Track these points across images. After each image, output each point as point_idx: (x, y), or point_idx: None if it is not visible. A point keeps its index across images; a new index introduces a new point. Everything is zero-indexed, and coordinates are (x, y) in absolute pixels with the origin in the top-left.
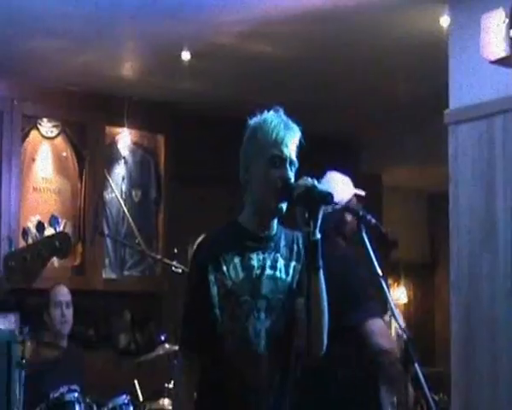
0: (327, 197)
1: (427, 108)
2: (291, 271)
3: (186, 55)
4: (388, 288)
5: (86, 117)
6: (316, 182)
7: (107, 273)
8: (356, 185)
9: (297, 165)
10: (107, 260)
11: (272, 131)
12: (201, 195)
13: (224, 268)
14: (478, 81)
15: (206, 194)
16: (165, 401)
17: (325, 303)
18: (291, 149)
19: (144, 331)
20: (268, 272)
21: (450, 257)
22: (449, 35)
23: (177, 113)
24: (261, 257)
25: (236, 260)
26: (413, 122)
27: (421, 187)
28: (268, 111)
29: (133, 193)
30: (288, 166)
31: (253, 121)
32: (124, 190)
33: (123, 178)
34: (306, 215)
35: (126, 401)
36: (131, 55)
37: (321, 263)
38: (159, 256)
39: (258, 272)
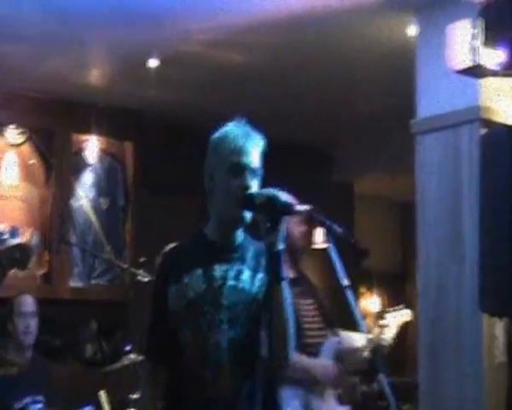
0: (289, 207)
1: (397, 117)
2: (257, 282)
3: (154, 63)
4: (355, 299)
5: (53, 124)
6: (278, 192)
7: (75, 282)
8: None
9: (260, 173)
10: (74, 269)
11: (232, 141)
12: (170, 203)
13: (186, 279)
14: (444, 91)
15: (174, 202)
16: None
17: (289, 315)
18: (252, 157)
19: (111, 341)
20: (230, 282)
21: (417, 268)
22: (416, 45)
23: (145, 120)
24: (224, 268)
25: (199, 271)
26: (384, 131)
27: (393, 196)
28: (231, 122)
29: (101, 201)
30: (248, 174)
31: (215, 134)
32: (91, 197)
33: (90, 186)
34: (268, 225)
35: None
36: (99, 62)
37: (284, 274)
38: (125, 265)
39: (220, 282)
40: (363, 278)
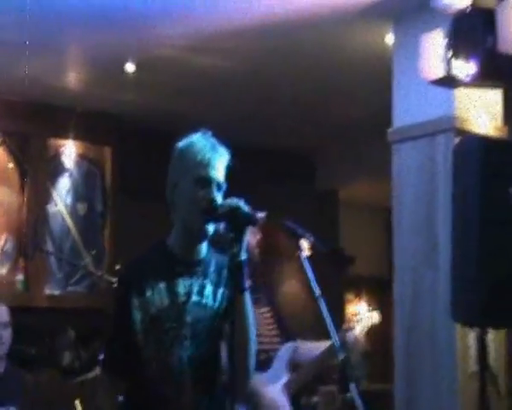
0: (251, 218)
1: (380, 124)
2: (219, 297)
3: (131, 67)
4: (327, 308)
5: (29, 128)
6: (242, 202)
7: (51, 289)
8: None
9: (225, 187)
10: (51, 276)
11: (199, 152)
12: (149, 209)
13: (149, 294)
14: (420, 100)
15: (153, 208)
16: None
17: (252, 326)
18: (218, 171)
19: (89, 349)
20: (194, 298)
21: (394, 274)
22: (392, 54)
23: (124, 125)
24: (188, 283)
25: (162, 285)
26: (368, 138)
27: (378, 202)
28: (196, 132)
29: (78, 206)
30: (214, 187)
31: (180, 143)
32: (68, 203)
33: (68, 191)
34: (231, 236)
35: None
36: (76, 66)
37: (247, 285)
38: (99, 272)
39: (183, 298)
40: (350, 285)
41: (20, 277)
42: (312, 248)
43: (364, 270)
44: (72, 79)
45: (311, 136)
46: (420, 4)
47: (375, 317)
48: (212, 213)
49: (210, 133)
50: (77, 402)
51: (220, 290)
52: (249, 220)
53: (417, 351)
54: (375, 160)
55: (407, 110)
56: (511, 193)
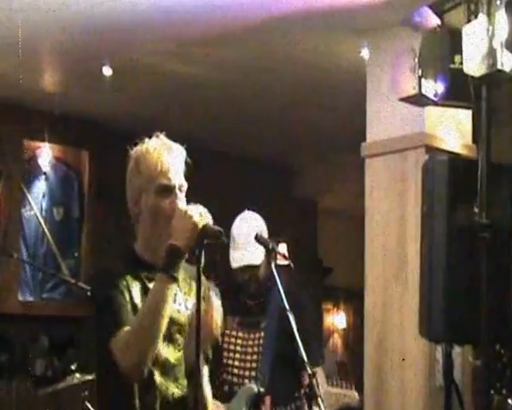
0: (217, 234)
1: (356, 136)
2: (189, 305)
3: (108, 71)
4: (295, 323)
5: (3, 130)
6: (208, 218)
7: (24, 296)
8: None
9: (186, 186)
10: (24, 282)
11: (157, 161)
12: (127, 214)
13: (127, 295)
14: (392, 116)
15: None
16: None
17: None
18: (178, 173)
19: (63, 358)
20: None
21: (364, 288)
22: (367, 68)
23: (101, 128)
24: None
25: (137, 287)
26: (346, 148)
27: (357, 213)
28: (149, 138)
29: (54, 211)
30: (176, 192)
31: (134, 152)
32: (44, 207)
33: (43, 195)
34: (196, 252)
35: None
36: (52, 68)
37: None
38: (73, 280)
39: None
40: (329, 295)
41: None
42: (285, 259)
43: (342, 280)
44: (49, 80)
45: (291, 146)
46: (394, 22)
47: (352, 397)
48: None
49: (163, 135)
50: None
51: (190, 300)
52: (215, 236)
53: (386, 364)
54: (352, 171)
55: (379, 125)
56: (476, 211)
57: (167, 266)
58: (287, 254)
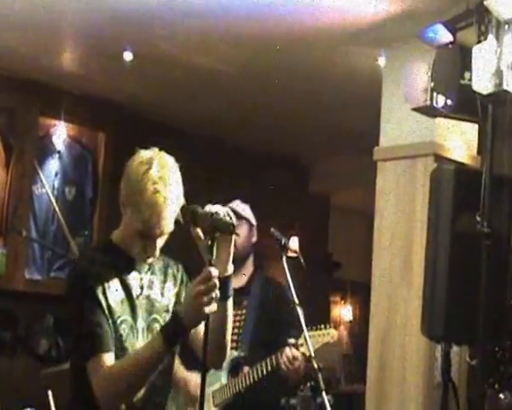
0: (229, 227)
1: (371, 138)
2: (166, 292)
3: (128, 56)
4: (303, 315)
5: (18, 105)
6: (219, 210)
7: (31, 274)
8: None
9: (179, 201)
10: (31, 260)
11: (152, 185)
12: None
13: (106, 285)
14: (404, 124)
15: None
16: None
17: (230, 329)
18: (174, 188)
19: (67, 338)
20: (145, 292)
21: (371, 285)
22: (382, 76)
23: (119, 112)
24: (138, 277)
25: (115, 279)
26: (358, 151)
27: (368, 211)
28: (145, 149)
29: (66, 190)
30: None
31: (130, 167)
32: (56, 186)
33: (56, 174)
34: (209, 243)
35: None
36: (72, 48)
37: (231, 292)
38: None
39: (137, 292)
40: (337, 288)
41: None
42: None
43: (350, 274)
44: (68, 60)
45: (307, 144)
46: (410, 34)
47: (331, 334)
48: (190, 219)
49: (155, 151)
50: (49, 393)
51: (166, 286)
52: (227, 229)
53: (389, 359)
54: (365, 172)
55: (392, 132)
56: (478, 220)
57: (171, 341)
58: (297, 248)
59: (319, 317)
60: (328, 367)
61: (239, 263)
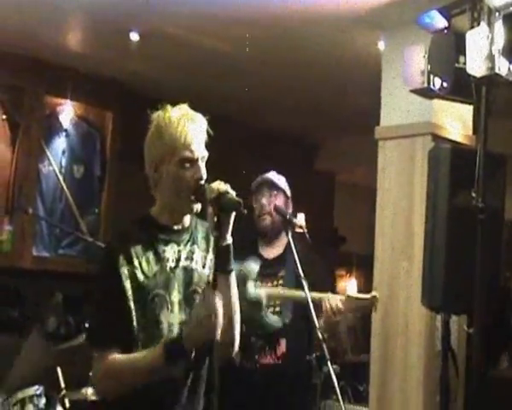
0: (236, 205)
1: (374, 116)
2: (208, 262)
3: (135, 36)
4: (308, 289)
5: (24, 83)
6: (228, 187)
7: (39, 251)
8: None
9: (207, 155)
10: (39, 238)
11: (181, 133)
12: (147, 177)
13: (136, 262)
14: (404, 104)
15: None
16: (89, 391)
17: (236, 302)
18: (200, 145)
19: (76, 315)
20: (183, 263)
21: (374, 259)
22: (382, 59)
23: (126, 92)
24: (176, 249)
25: (149, 253)
26: (367, 126)
27: (372, 184)
28: (172, 106)
29: (74, 168)
30: (199, 164)
31: (157, 118)
32: (64, 164)
33: (63, 152)
34: (215, 220)
35: (38, 393)
36: (79, 27)
37: (232, 266)
38: (90, 238)
39: (172, 264)
40: (342, 261)
41: (5, 236)
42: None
43: (355, 248)
44: (75, 38)
45: (313, 123)
46: (408, 19)
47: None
48: (199, 195)
49: (186, 105)
50: (58, 370)
51: (209, 257)
52: (233, 207)
53: (392, 329)
54: (368, 150)
55: (392, 112)
56: (474, 195)
57: (170, 360)
58: (304, 224)
59: (325, 291)
60: (334, 338)
61: (274, 234)
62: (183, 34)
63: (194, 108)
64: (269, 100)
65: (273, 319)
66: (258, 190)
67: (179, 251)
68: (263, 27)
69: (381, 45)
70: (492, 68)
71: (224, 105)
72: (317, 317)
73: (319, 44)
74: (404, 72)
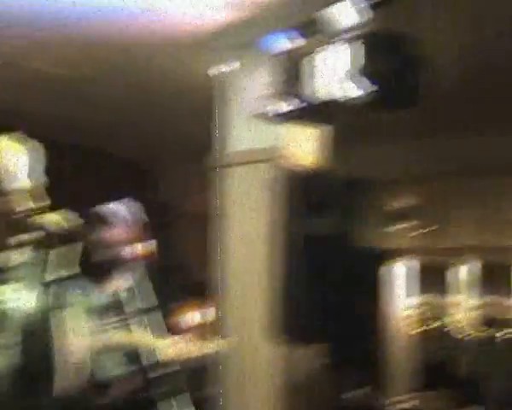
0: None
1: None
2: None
3: None
4: None
5: None
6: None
7: None
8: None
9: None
10: None
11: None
12: None
13: None
14: (245, 131)
15: None
16: None
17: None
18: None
19: None
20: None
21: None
22: (217, 84)
23: None
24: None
25: None
26: (196, 158)
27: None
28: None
29: None
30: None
31: None
32: None
33: None
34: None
35: None
36: None
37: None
38: None
39: None
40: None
41: None
42: None
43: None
44: None
45: (157, 149)
46: (251, 42)
47: None
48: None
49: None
50: None
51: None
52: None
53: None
54: (207, 178)
55: (234, 138)
56: (324, 221)
57: None
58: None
59: None
60: None
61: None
62: (15, 54)
63: (28, 129)
64: (113, 124)
65: None
66: (93, 222)
67: None
68: (101, 47)
69: (219, 69)
70: (340, 91)
71: (63, 129)
72: None
73: (160, 67)
74: (246, 96)
